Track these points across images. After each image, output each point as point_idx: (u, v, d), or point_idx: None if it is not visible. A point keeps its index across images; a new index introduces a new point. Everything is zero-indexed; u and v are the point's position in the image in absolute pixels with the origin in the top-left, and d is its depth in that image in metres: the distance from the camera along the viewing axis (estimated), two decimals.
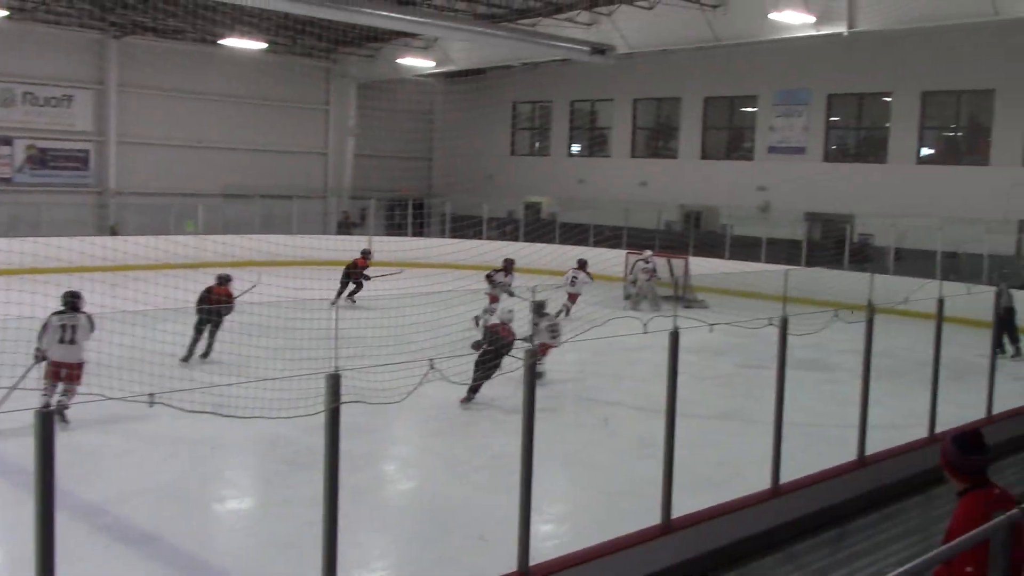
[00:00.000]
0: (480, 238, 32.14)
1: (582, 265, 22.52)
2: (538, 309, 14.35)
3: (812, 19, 23.32)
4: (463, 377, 7.16)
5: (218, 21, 26.08)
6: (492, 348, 12.85)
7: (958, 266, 23.68)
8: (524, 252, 27.46)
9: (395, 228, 34.56)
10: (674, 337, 7.65)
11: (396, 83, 36.32)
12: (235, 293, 15.35)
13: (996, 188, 25.78)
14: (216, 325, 14.61)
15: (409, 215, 33.42)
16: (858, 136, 30.57)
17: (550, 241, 30.85)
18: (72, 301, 10.59)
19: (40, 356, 10.13)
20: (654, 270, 24.62)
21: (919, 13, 22.15)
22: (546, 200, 37.30)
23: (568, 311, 21.46)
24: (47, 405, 8.83)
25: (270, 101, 35.88)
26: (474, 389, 13.09)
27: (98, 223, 31.84)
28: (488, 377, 12.95)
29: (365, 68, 36.92)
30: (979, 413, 11.72)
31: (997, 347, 15.00)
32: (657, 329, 7.89)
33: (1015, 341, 18.71)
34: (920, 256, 24.39)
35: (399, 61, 33.87)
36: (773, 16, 23.54)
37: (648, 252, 25.56)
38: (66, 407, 10.09)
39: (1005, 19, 21.14)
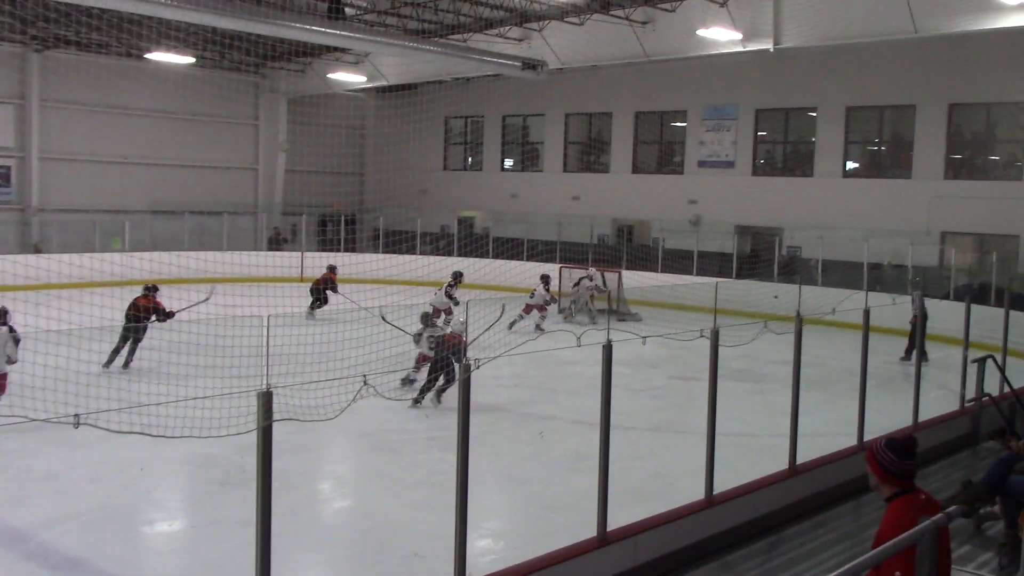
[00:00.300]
0: (414, 253, 32.04)
1: (544, 280, 23.40)
2: (424, 319, 14.68)
3: (739, 36, 23.72)
4: (398, 393, 7.10)
5: (144, 35, 25.69)
6: (445, 354, 13.41)
7: (883, 277, 24.23)
8: (458, 267, 27.45)
9: (327, 244, 34.31)
10: (607, 350, 7.68)
11: (327, 98, 36.10)
12: (166, 305, 15.30)
13: (918, 200, 26.48)
14: (136, 340, 14.71)
15: (341, 230, 33.20)
16: (785, 150, 31.13)
17: (484, 256, 30.86)
18: None
19: None
20: (597, 286, 24.79)
21: (841, 30, 22.69)
22: (479, 215, 37.36)
23: (538, 325, 22.16)
24: None
25: (198, 116, 35.40)
26: (424, 391, 13.56)
27: (21, 241, 31.08)
28: (437, 381, 13.48)
29: (295, 83, 36.65)
30: (906, 420, 11.98)
31: (913, 351, 15.42)
32: (591, 342, 7.93)
33: (922, 347, 19.04)
34: (847, 268, 24.90)
35: (330, 76, 33.71)
36: (701, 33, 23.91)
37: (593, 269, 25.69)
38: None
39: (924, 36, 21.74)
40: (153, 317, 15.09)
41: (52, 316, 10.04)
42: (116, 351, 14.61)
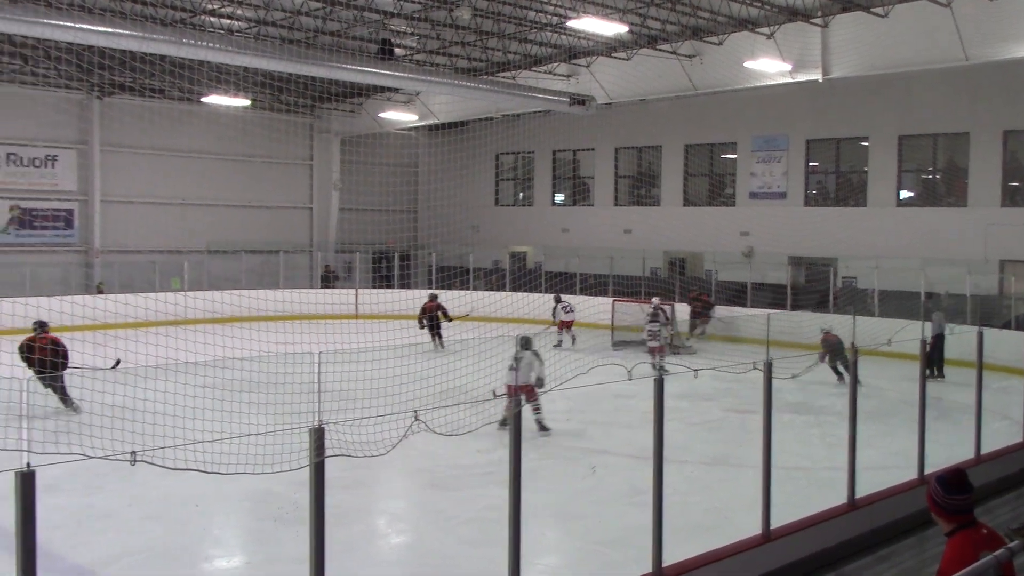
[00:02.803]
0: (467, 288, 32.18)
1: (557, 299, 25.89)
2: (525, 344, 14.62)
3: (788, 67, 23.67)
4: (449, 428, 7.15)
5: (199, 80, 26.29)
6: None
7: (941, 306, 23.81)
8: (508, 301, 27.55)
9: (382, 280, 34.62)
10: (659, 384, 7.64)
11: (379, 137, 36.60)
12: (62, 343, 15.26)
13: (975, 229, 26.08)
14: (55, 379, 14.27)
15: (395, 267, 33.47)
16: (838, 180, 30.86)
17: (536, 290, 30.91)
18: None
19: None
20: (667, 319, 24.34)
21: (891, 59, 22.54)
22: (531, 249, 37.45)
23: (565, 341, 23.85)
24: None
25: (253, 157, 36.06)
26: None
27: (83, 282, 31.77)
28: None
29: (347, 123, 37.20)
30: (968, 453, 11.72)
31: (931, 370, 15.54)
32: (642, 376, 7.89)
33: (940, 367, 19.57)
34: (903, 297, 24.53)
35: (381, 115, 34.19)
36: (749, 64, 23.90)
37: (655, 299, 25.26)
38: None
39: (975, 64, 21.51)
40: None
41: (111, 355, 10.23)
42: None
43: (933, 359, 19.29)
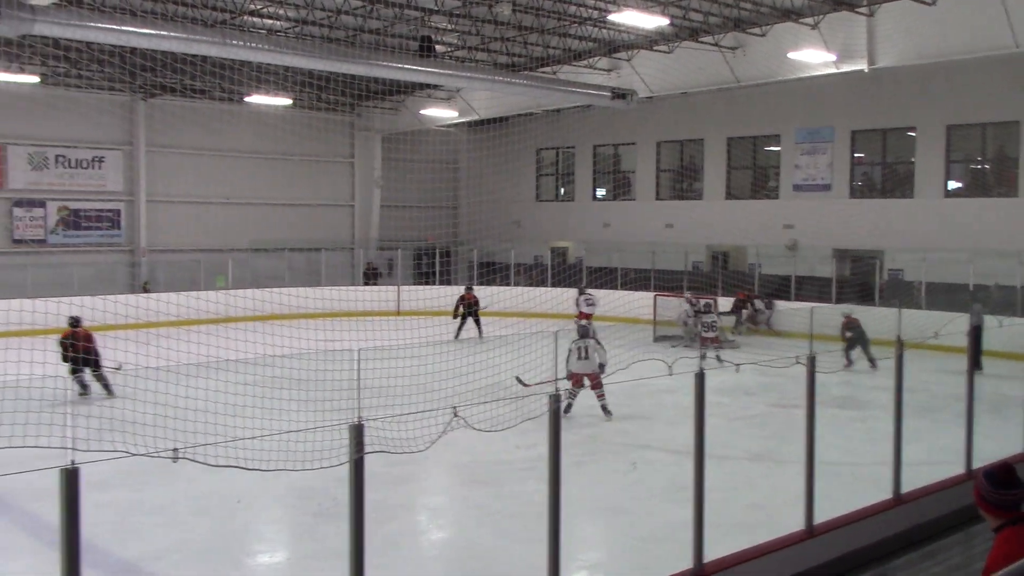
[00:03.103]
0: (508, 284, 32.19)
1: (580, 291, 26.47)
2: (583, 332, 15.72)
3: (832, 57, 23.37)
4: (489, 423, 7.14)
5: (242, 80, 26.52)
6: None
7: (990, 299, 23.40)
8: (548, 296, 27.59)
9: (423, 277, 34.74)
10: (699, 378, 7.57)
11: (420, 134, 36.71)
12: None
13: None
14: (95, 365, 15.94)
15: (436, 263, 33.57)
16: (884, 171, 30.43)
17: (577, 285, 30.82)
18: None
19: None
20: (697, 311, 24.56)
21: (938, 48, 22.17)
22: (572, 245, 37.38)
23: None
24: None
25: (296, 156, 36.34)
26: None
27: (130, 281, 32.22)
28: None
29: (388, 120, 37.36)
30: (1017, 448, 11.50)
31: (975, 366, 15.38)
32: (682, 371, 7.83)
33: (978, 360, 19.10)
34: (952, 290, 24.13)
35: (422, 112, 34.28)
36: (792, 55, 23.63)
37: (688, 294, 25.65)
38: None
39: None
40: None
41: (155, 354, 10.37)
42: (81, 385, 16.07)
43: (976, 353, 19.10)
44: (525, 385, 14.28)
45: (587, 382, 15.50)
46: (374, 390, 7.18)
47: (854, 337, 19.62)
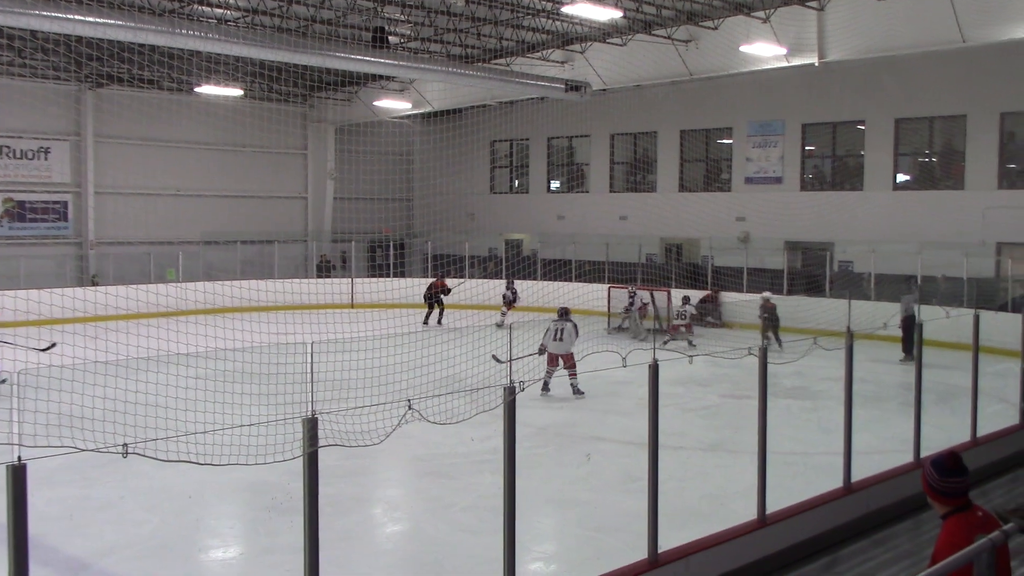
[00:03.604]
0: (463, 276, 32.15)
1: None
2: (563, 314, 16.76)
3: (783, 51, 23.59)
4: (444, 416, 7.11)
5: (192, 70, 26.17)
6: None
7: (938, 290, 23.80)
8: (502, 288, 27.63)
9: (377, 269, 34.57)
10: (653, 370, 7.62)
11: (373, 125, 36.48)
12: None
13: (972, 211, 26.03)
14: None
15: (390, 256, 33.42)
16: (834, 164, 30.79)
17: (532, 277, 30.88)
18: None
19: None
20: (644, 304, 25.23)
21: (887, 42, 22.45)
22: (527, 237, 37.41)
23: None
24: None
25: (248, 147, 35.95)
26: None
27: (78, 274, 31.70)
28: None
29: (342, 112, 37.09)
30: (964, 436, 11.72)
31: (911, 349, 16.20)
32: (637, 363, 7.87)
33: (909, 349, 19.93)
34: (900, 281, 24.51)
35: (376, 104, 34.08)
36: (744, 49, 23.82)
37: (631, 287, 26.20)
38: None
39: (972, 46, 21.43)
40: None
41: (101, 348, 10.20)
42: None
43: (905, 341, 20.14)
44: (500, 362, 14.49)
45: (561, 362, 16.22)
46: (328, 383, 7.13)
47: (768, 319, 21.44)
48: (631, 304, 25.41)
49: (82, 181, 32.43)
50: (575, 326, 16.42)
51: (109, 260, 31.92)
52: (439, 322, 26.71)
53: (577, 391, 16.31)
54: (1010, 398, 14.31)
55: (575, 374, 15.94)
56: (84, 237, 32.58)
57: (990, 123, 26.26)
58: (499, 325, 24.47)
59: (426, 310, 27.33)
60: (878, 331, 11.74)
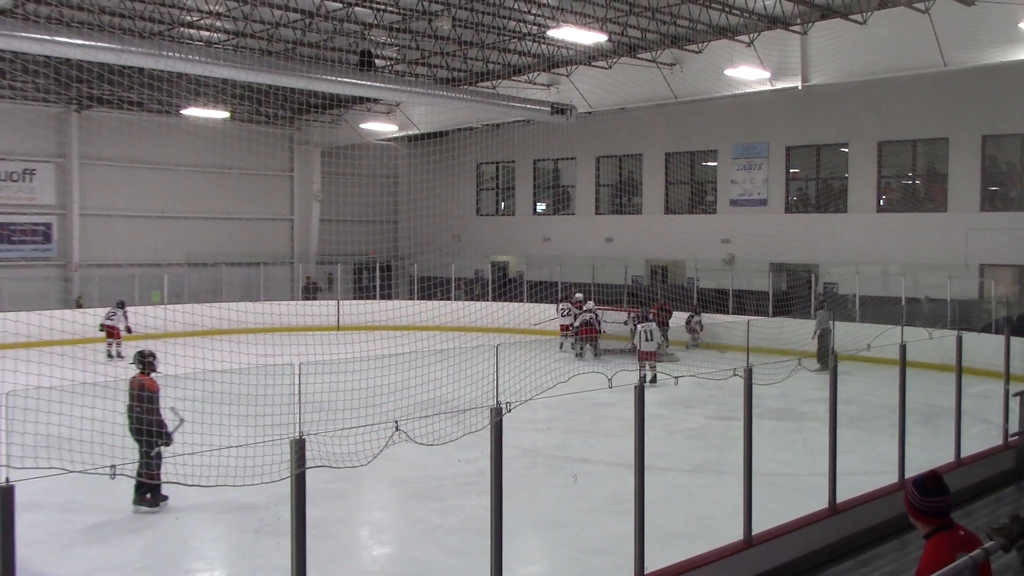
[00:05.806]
0: (449, 299, 32.16)
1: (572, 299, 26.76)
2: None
3: (767, 75, 23.79)
4: (431, 437, 7.12)
5: (178, 92, 26.19)
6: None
7: (922, 311, 23.95)
8: (489, 311, 27.62)
9: (363, 291, 34.54)
10: (639, 392, 7.66)
11: (359, 148, 36.56)
12: None
13: (955, 233, 26.23)
14: None
15: (376, 278, 33.42)
16: (818, 187, 30.99)
17: (518, 299, 30.92)
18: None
19: None
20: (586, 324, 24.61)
21: (869, 66, 22.70)
22: (513, 259, 37.47)
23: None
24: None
25: (233, 169, 35.95)
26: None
27: (63, 296, 31.56)
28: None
29: (328, 134, 37.17)
30: (948, 457, 11.79)
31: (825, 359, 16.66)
32: (623, 384, 7.91)
33: (824, 360, 19.83)
34: (884, 303, 24.67)
35: (362, 126, 34.18)
36: (729, 72, 24.01)
37: (579, 295, 26.68)
38: None
39: (954, 70, 21.68)
40: None
41: (91, 369, 10.18)
42: None
43: (820, 352, 20.82)
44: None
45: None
46: (315, 405, 7.14)
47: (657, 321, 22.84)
48: (573, 322, 25.19)
49: (67, 203, 32.35)
50: (657, 325, 20.66)
51: (94, 282, 31.81)
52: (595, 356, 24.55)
53: (655, 380, 18.39)
54: (993, 419, 14.39)
55: (655, 366, 18.59)
56: (69, 259, 32.47)
57: (972, 146, 26.52)
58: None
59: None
60: (862, 352, 11.79)
